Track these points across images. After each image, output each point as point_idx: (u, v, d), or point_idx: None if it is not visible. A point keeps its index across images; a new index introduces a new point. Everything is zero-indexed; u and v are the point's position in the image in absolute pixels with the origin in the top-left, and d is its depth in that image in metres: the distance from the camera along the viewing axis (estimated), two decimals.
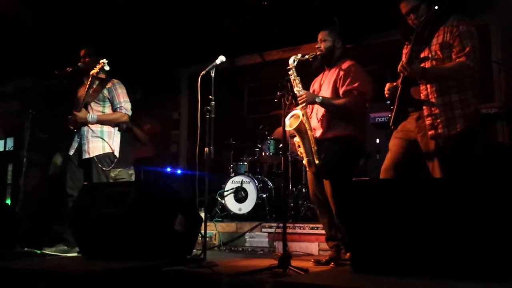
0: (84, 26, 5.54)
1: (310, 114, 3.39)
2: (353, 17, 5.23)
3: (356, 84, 3.20)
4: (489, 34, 5.12)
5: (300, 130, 3.20)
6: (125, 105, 4.15)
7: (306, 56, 3.35)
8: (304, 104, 3.24)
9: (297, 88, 3.29)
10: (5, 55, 5.96)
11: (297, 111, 3.23)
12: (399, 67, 2.76)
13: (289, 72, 3.32)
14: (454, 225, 2.20)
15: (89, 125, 4.04)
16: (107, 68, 4.05)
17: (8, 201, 6.57)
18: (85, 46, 4.27)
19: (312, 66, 3.44)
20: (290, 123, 3.23)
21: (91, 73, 4.06)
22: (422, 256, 2.25)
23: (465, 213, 2.19)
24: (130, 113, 4.17)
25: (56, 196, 4.87)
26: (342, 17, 5.11)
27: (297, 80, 3.31)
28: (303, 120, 3.22)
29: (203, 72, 3.41)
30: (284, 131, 3.11)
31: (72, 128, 4.05)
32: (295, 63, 3.33)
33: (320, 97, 3.22)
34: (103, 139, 4.05)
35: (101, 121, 4.07)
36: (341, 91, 3.24)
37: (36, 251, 3.84)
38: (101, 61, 4.04)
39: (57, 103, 4.41)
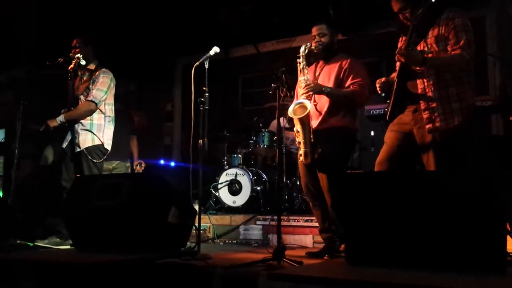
0: (78, 17, 5.48)
1: None
2: (349, 8, 5.20)
3: (361, 77, 3.24)
4: (485, 27, 5.12)
5: (304, 120, 3.16)
6: (95, 93, 4.02)
7: (312, 47, 3.32)
8: (311, 93, 3.21)
9: (305, 77, 3.27)
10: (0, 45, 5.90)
11: (306, 100, 3.18)
12: (396, 53, 2.74)
13: (299, 61, 3.29)
14: (449, 218, 2.20)
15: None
16: (83, 62, 4.05)
17: (0, 194, 6.52)
18: (77, 36, 4.22)
19: (312, 59, 3.42)
20: (294, 111, 3.18)
21: (69, 68, 4.05)
22: (417, 248, 2.25)
23: (460, 205, 2.19)
24: (97, 101, 4.02)
25: (48, 188, 4.83)
26: (337, 8, 5.09)
27: (305, 70, 3.29)
28: (310, 111, 3.19)
29: (197, 63, 3.38)
30: (279, 122, 3.10)
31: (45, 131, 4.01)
32: (306, 51, 3.30)
33: (328, 88, 3.21)
34: (91, 131, 4.02)
35: (70, 118, 3.99)
36: (346, 84, 3.25)
37: (28, 243, 3.82)
38: (76, 56, 4.02)
39: (50, 93, 4.37)
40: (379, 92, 2.94)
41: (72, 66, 4.04)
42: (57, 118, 3.99)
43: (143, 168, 5.35)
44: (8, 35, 5.81)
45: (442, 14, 2.77)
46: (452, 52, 2.70)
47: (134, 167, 5.28)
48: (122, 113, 5.22)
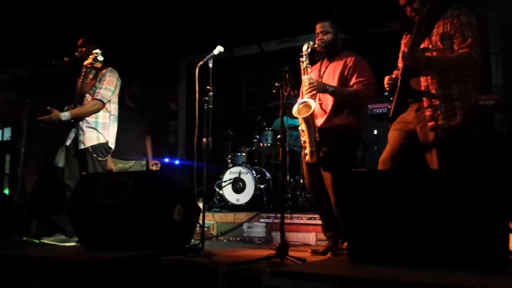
0: (82, 16, 5.51)
1: None
2: (351, 7, 5.20)
3: (365, 76, 3.23)
4: (487, 26, 5.11)
5: (308, 119, 3.17)
6: (103, 92, 4.06)
7: (315, 45, 3.32)
8: (314, 92, 3.21)
9: (308, 76, 3.25)
10: (3, 43, 5.92)
11: (310, 100, 3.17)
12: (400, 55, 2.74)
13: (302, 59, 3.27)
14: (452, 216, 2.21)
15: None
16: (100, 58, 4.03)
17: (6, 191, 6.56)
18: (83, 35, 4.25)
19: (316, 57, 3.42)
20: (299, 110, 3.18)
21: (84, 63, 4.07)
22: (419, 247, 2.26)
23: (463, 204, 2.20)
24: (105, 100, 4.06)
25: (54, 186, 4.87)
26: (340, 7, 5.09)
27: (308, 69, 3.27)
28: (315, 110, 3.19)
29: (201, 63, 3.40)
30: (282, 121, 3.11)
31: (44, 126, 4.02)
32: (309, 50, 3.28)
33: (332, 87, 3.20)
34: (97, 129, 4.05)
35: (76, 116, 4.02)
36: (351, 83, 3.25)
37: (34, 240, 3.85)
38: (94, 51, 4.03)
39: (55, 92, 4.39)
40: (387, 89, 2.94)
41: (90, 61, 4.03)
42: (61, 114, 3.99)
43: (158, 168, 5.35)
44: (11, 34, 5.84)
45: (447, 12, 2.77)
46: (460, 51, 2.68)
47: (150, 167, 5.29)
48: (137, 112, 5.24)
